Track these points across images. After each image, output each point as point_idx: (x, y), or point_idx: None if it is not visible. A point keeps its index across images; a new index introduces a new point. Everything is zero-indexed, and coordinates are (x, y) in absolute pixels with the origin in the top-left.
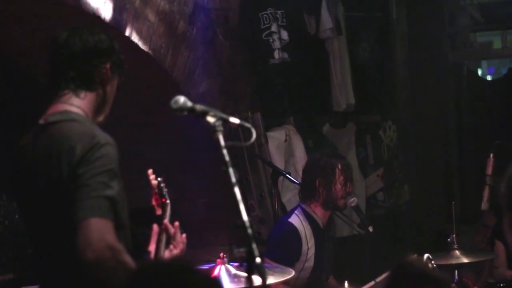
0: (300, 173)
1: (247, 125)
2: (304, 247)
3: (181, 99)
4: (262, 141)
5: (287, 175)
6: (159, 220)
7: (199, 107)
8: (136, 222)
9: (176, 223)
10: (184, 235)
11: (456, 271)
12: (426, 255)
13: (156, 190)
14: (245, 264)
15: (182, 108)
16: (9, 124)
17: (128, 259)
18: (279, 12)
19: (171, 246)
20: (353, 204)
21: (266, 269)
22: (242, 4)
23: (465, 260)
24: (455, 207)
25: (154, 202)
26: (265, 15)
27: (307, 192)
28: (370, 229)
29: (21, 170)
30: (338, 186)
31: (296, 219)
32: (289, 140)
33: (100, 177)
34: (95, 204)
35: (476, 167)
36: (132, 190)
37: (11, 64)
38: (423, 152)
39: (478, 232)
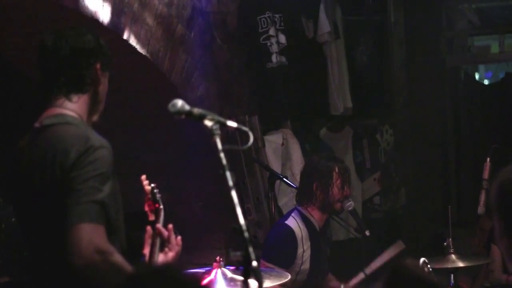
0: (297, 176)
1: (245, 128)
2: (300, 250)
3: (179, 102)
4: (259, 145)
5: (284, 178)
6: (152, 225)
7: (196, 110)
8: (132, 226)
9: (170, 226)
10: (179, 238)
11: (452, 275)
12: (422, 259)
13: (149, 196)
14: (241, 267)
15: (180, 112)
16: (6, 127)
17: (119, 259)
18: (277, 15)
19: (166, 249)
20: (350, 208)
21: (263, 273)
22: (240, 8)
23: (461, 264)
24: (452, 211)
25: (147, 208)
26: (263, 18)
27: (304, 195)
28: (367, 233)
29: (16, 173)
30: (335, 189)
31: (293, 222)
32: (286, 144)
33: (91, 182)
34: (85, 210)
35: (473, 171)
36: (128, 193)
37: (10, 67)
38: (420, 156)
39: (474, 236)
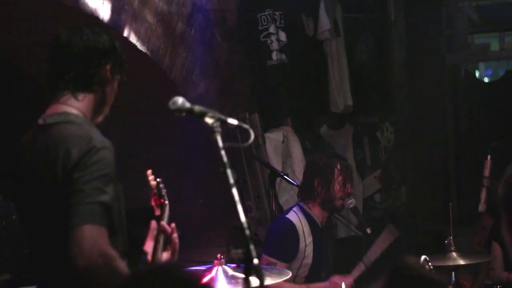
0: (298, 174)
1: (245, 126)
2: (302, 244)
3: (180, 100)
4: (259, 142)
5: (284, 176)
6: (157, 220)
7: (197, 108)
8: (133, 223)
9: (173, 225)
10: (175, 235)
11: (453, 272)
12: (423, 257)
13: (155, 191)
14: (242, 265)
15: (181, 109)
16: (6, 124)
17: (120, 265)
18: (277, 13)
19: (168, 247)
20: (351, 206)
21: (264, 270)
22: (240, 5)
23: (462, 262)
24: (452, 208)
25: (153, 203)
26: (263, 16)
27: (306, 192)
28: (368, 230)
29: (18, 170)
30: (337, 186)
31: (294, 216)
32: (287, 141)
33: (95, 183)
34: (89, 211)
35: (473, 168)
36: (129, 191)
37: (9, 65)
38: (420, 153)
39: (475, 234)
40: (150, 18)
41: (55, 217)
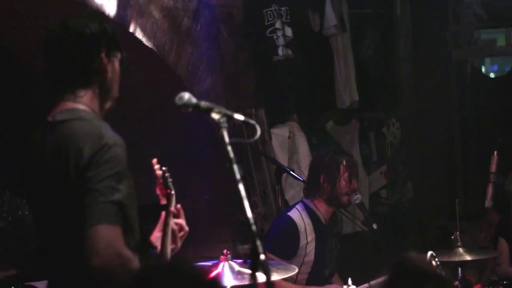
0: (304, 170)
1: (252, 121)
2: (303, 242)
3: (186, 95)
4: (265, 138)
5: (290, 172)
6: (164, 210)
7: (204, 103)
8: (142, 218)
9: (178, 206)
10: (182, 221)
11: (459, 268)
12: (429, 253)
13: (161, 180)
14: (249, 261)
15: (187, 105)
16: (12, 120)
17: (136, 266)
18: (283, 8)
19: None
20: (357, 201)
21: (270, 266)
22: (246, 1)
23: (468, 258)
24: (459, 204)
25: (158, 192)
26: (269, 11)
27: (311, 188)
28: (375, 226)
29: (29, 167)
30: (343, 182)
31: (295, 213)
32: (293, 137)
33: (108, 181)
34: (103, 210)
35: (479, 164)
36: (134, 186)
37: (16, 61)
38: (426, 149)
39: (481, 230)
40: (156, 13)
41: (67, 215)
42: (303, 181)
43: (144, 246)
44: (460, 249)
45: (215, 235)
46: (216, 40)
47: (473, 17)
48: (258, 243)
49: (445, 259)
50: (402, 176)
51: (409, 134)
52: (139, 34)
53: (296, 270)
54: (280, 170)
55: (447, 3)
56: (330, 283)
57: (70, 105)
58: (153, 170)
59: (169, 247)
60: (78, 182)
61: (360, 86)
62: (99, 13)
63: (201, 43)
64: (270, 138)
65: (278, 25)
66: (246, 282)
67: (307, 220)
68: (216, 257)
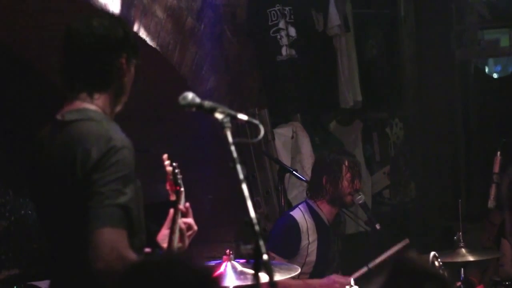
0: (307, 170)
1: (255, 121)
2: (304, 242)
3: (190, 95)
4: (269, 138)
5: (293, 172)
6: (174, 207)
7: (207, 103)
8: (148, 218)
9: (187, 204)
10: (190, 220)
11: (462, 269)
12: (432, 253)
13: (171, 177)
14: (251, 261)
15: (191, 104)
16: (16, 119)
17: None
18: (287, 8)
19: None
20: (360, 202)
21: (273, 266)
22: (250, 1)
23: (471, 258)
24: (462, 205)
25: (168, 187)
26: (273, 11)
27: (314, 189)
28: (378, 226)
29: (36, 166)
30: (345, 183)
31: (298, 213)
32: (296, 137)
33: (114, 184)
34: (108, 213)
35: (483, 165)
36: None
37: (20, 61)
38: (429, 149)
39: (484, 230)
40: (160, 13)
41: (72, 216)
42: (306, 181)
43: (149, 245)
44: (463, 250)
45: (218, 235)
46: (220, 40)
47: (477, 17)
48: (261, 243)
49: (448, 259)
50: (405, 176)
51: (413, 135)
52: (142, 34)
53: (299, 270)
54: (283, 170)
55: (450, 4)
56: None
57: (81, 104)
58: (163, 166)
59: (176, 245)
60: (84, 184)
61: (364, 86)
62: (120, 17)
63: (204, 43)
64: (273, 138)
65: (281, 25)
66: (248, 282)
67: (310, 220)
68: (218, 257)
